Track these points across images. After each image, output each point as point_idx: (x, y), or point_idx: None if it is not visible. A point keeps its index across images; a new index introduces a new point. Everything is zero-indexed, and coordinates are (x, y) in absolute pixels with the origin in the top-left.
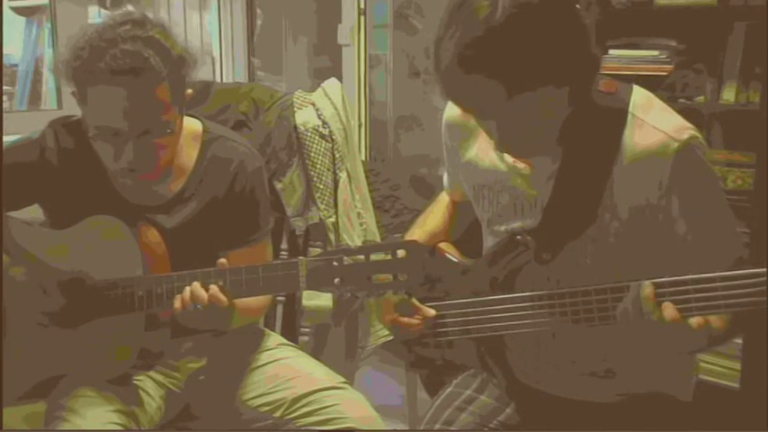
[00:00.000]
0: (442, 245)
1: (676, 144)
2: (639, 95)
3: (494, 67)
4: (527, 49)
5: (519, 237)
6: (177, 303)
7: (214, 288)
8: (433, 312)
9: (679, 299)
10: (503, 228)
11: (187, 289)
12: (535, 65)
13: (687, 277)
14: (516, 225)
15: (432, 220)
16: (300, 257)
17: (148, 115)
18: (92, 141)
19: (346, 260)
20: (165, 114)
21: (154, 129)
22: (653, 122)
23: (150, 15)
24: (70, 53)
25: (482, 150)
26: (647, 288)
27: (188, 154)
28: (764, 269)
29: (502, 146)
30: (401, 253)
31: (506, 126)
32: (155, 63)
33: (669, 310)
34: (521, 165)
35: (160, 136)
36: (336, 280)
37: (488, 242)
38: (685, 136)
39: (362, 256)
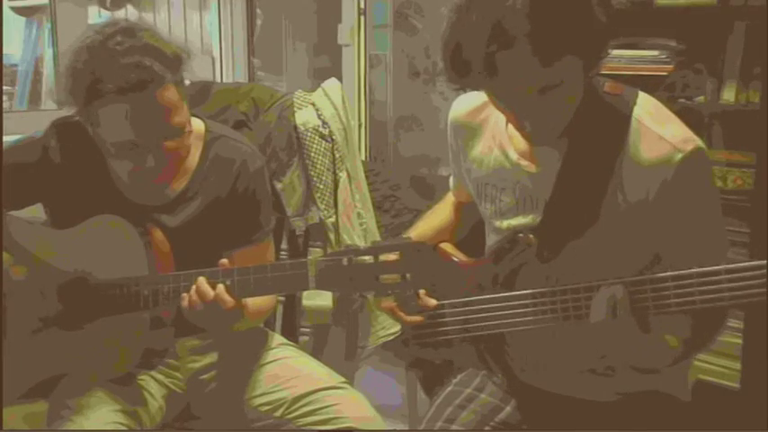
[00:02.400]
0: (444, 245)
1: (681, 155)
2: (645, 101)
3: (531, 33)
4: (557, 12)
5: (521, 235)
6: (185, 302)
7: (220, 287)
8: (434, 302)
9: (682, 292)
10: (505, 224)
11: (194, 287)
12: (564, 29)
13: (692, 271)
14: (518, 222)
15: (437, 217)
16: (310, 257)
17: (164, 122)
18: (111, 159)
19: (355, 260)
20: (178, 115)
21: (171, 133)
22: (658, 131)
23: (149, 17)
24: (68, 75)
25: (487, 148)
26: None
27: (191, 153)
28: (745, 263)
29: (530, 128)
30: (409, 253)
31: (535, 107)
32: (158, 69)
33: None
34: (525, 162)
35: (178, 137)
36: (345, 280)
37: (490, 240)
38: (690, 147)
39: (371, 257)
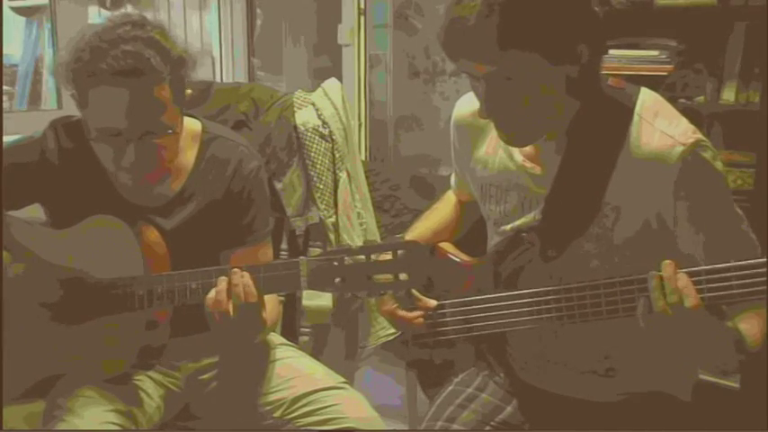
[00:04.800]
0: (443, 244)
1: (682, 148)
2: (648, 97)
3: (493, 13)
4: (530, 8)
5: (524, 234)
6: (210, 305)
7: (247, 276)
8: (433, 303)
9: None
10: (509, 226)
11: (223, 281)
12: (534, 26)
13: (700, 268)
14: (522, 223)
15: (436, 216)
16: (301, 257)
17: (150, 116)
18: (92, 143)
19: (347, 260)
20: (166, 115)
21: (155, 129)
22: (660, 126)
23: (149, 17)
24: (70, 55)
25: (491, 149)
26: (668, 266)
27: (187, 154)
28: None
29: (487, 112)
30: (402, 253)
31: (494, 90)
32: (156, 63)
33: (690, 298)
34: (530, 164)
35: (161, 136)
36: (337, 280)
37: (493, 240)
38: (691, 140)
39: (363, 256)
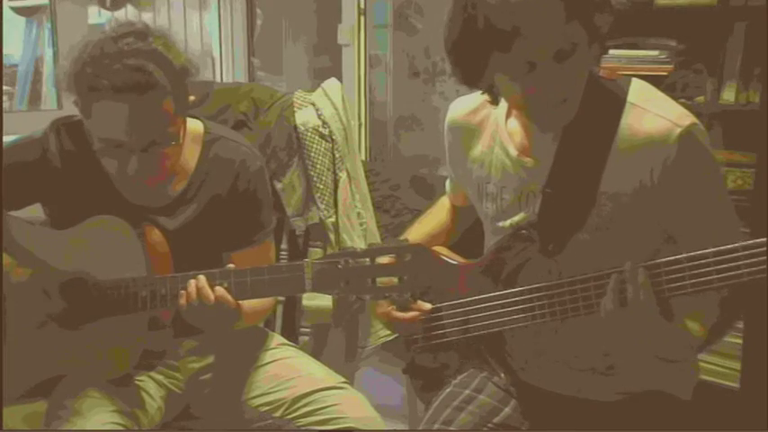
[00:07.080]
0: (438, 248)
1: (680, 129)
2: (639, 86)
3: None
4: None
5: (523, 232)
6: (182, 300)
7: (220, 289)
8: (428, 306)
9: (674, 277)
10: (507, 223)
11: (192, 283)
12: None
13: (681, 256)
14: (520, 218)
15: (431, 220)
16: (306, 260)
17: (153, 129)
18: (97, 153)
19: (351, 263)
20: (170, 126)
21: (159, 141)
22: (656, 110)
23: (152, 25)
24: (72, 66)
25: (487, 147)
26: (642, 275)
27: (190, 155)
28: (764, 239)
29: (536, 102)
30: (406, 256)
31: (554, 71)
32: (159, 78)
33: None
34: (525, 158)
35: (165, 147)
36: (342, 282)
37: (490, 241)
38: (688, 122)
39: (367, 259)
